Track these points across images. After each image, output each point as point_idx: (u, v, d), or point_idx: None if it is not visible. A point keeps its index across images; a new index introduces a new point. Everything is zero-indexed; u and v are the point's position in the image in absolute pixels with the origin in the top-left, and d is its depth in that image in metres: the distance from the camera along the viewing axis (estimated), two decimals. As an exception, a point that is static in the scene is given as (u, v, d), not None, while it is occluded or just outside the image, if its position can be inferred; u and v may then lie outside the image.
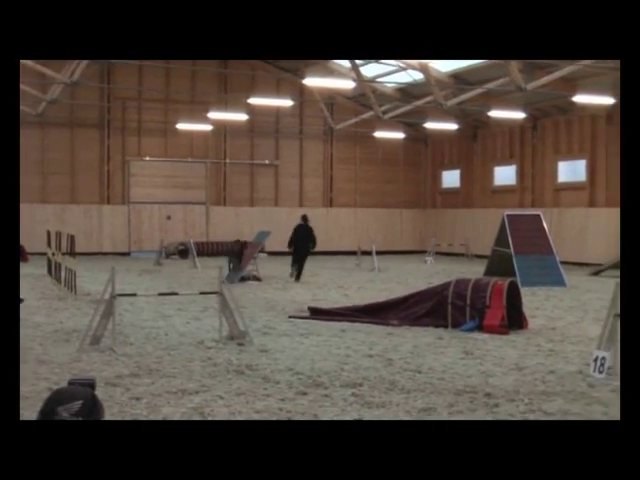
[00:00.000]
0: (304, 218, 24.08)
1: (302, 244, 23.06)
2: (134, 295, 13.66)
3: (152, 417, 7.32)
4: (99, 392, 6.26)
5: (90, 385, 6.03)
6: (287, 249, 23.91)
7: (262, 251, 30.51)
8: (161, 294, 14.31)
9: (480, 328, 12.81)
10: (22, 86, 28.49)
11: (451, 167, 39.00)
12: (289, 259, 24.11)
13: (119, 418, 7.10)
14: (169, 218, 35.19)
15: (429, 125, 33.55)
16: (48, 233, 22.19)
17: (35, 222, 31.74)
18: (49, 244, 21.75)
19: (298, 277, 22.71)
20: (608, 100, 25.79)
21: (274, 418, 7.29)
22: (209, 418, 7.30)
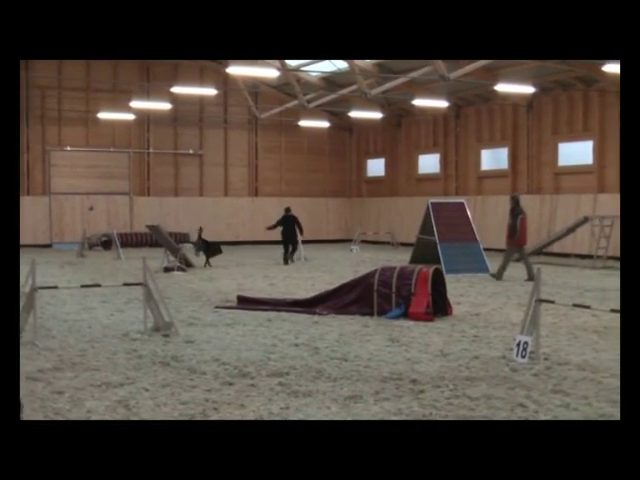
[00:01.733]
0: (287, 210, 26.86)
1: (291, 232, 26.01)
2: (56, 288, 13.41)
3: (75, 411, 7.20)
4: (20, 387, 6.15)
5: None
6: (267, 229, 27.15)
7: (188, 242, 30.34)
8: (84, 286, 14.06)
9: (405, 315, 12.93)
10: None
11: (376, 156, 39.25)
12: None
13: (40, 413, 6.96)
14: (92, 209, 34.64)
15: (354, 114, 33.67)
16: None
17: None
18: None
19: (291, 259, 25.81)
20: (529, 89, 26.24)
21: (200, 409, 7.24)
22: (134, 410, 7.22)
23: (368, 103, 32.68)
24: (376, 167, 39.40)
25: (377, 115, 33.62)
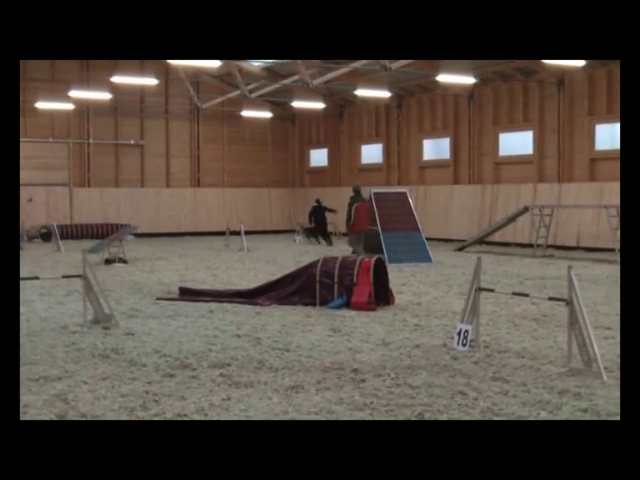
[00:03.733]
0: (318, 201, 31.11)
1: (322, 220, 30.38)
2: (-7, 281, 13.18)
3: (12, 406, 7.09)
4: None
5: None
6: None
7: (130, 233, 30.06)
8: (22, 279, 13.82)
9: (348, 305, 12.98)
10: None
11: (318, 146, 39.29)
12: (155, 241, 24.01)
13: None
14: (30, 200, 34.02)
15: (296, 104, 33.65)
16: None
17: None
18: None
19: (330, 242, 29.23)
20: (470, 80, 26.49)
21: (140, 401, 7.19)
22: (72, 404, 7.13)
23: (310, 93, 32.68)
24: (319, 157, 39.45)
25: (319, 105, 33.62)
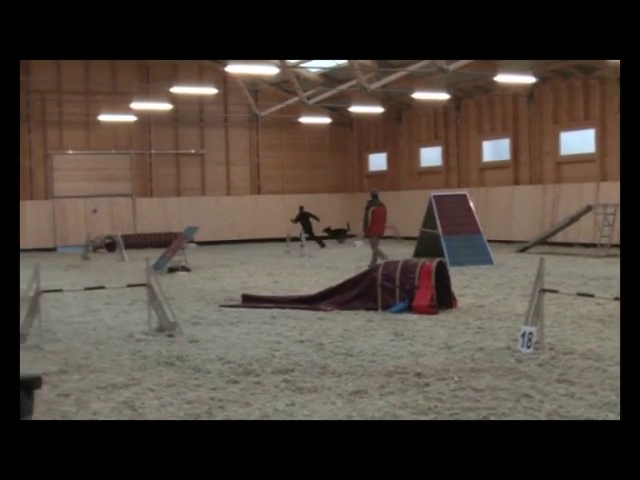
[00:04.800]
0: (301, 208, 32.55)
1: (308, 225, 31.96)
2: (60, 291, 13.43)
3: (81, 413, 7.22)
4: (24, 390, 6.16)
5: (28, 381, 5.89)
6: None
7: (192, 241, 30.34)
8: (88, 288, 14.08)
9: (410, 309, 12.92)
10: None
11: (377, 150, 39.22)
12: (217, 248, 24.23)
13: (47, 416, 6.98)
14: (95, 211, 34.64)
15: (354, 109, 33.65)
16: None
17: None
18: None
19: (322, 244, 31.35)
20: (529, 79, 26.20)
21: (206, 408, 7.25)
22: (139, 411, 7.23)
23: (368, 98, 32.64)
24: (378, 161, 39.37)
25: (377, 110, 33.59)
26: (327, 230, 34.29)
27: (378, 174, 39.13)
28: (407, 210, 34.38)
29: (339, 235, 34.65)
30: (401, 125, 37.45)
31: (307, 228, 31.68)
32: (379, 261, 20.75)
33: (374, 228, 22.27)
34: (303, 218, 32.02)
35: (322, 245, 31.38)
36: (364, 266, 19.36)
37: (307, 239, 30.03)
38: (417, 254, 23.23)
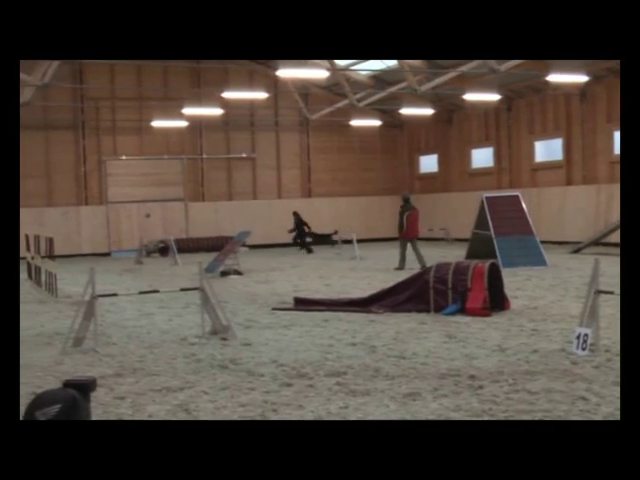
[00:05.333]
0: (296, 213, 32.41)
1: (302, 231, 32.21)
2: (115, 295, 13.59)
3: (137, 416, 7.30)
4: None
5: (85, 385, 5.99)
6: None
7: (243, 245, 30.50)
8: (142, 292, 14.23)
9: (462, 311, 12.85)
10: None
11: (428, 152, 39.07)
12: (269, 252, 24.36)
13: (103, 418, 7.07)
14: (148, 216, 35.00)
15: (404, 111, 33.51)
16: (26, 237, 22.04)
17: (13, 226, 31.51)
18: (28, 248, 21.61)
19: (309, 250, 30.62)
20: (582, 78, 25.86)
21: (259, 411, 7.29)
22: (194, 414, 7.29)
23: (418, 99, 32.54)
24: (429, 163, 39.21)
25: (428, 111, 33.43)
26: (311, 234, 33.38)
27: (429, 176, 38.97)
28: (458, 212, 34.21)
29: (326, 240, 33.98)
30: (452, 126, 37.25)
31: (300, 233, 32.17)
32: (412, 264, 21.90)
33: (409, 232, 22.81)
34: (299, 224, 32.30)
35: (309, 251, 31.21)
36: (416, 269, 19.29)
37: (296, 243, 31.24)
38: (469, 256, 23.08)
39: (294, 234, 32.47)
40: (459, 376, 8.48)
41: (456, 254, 24.43)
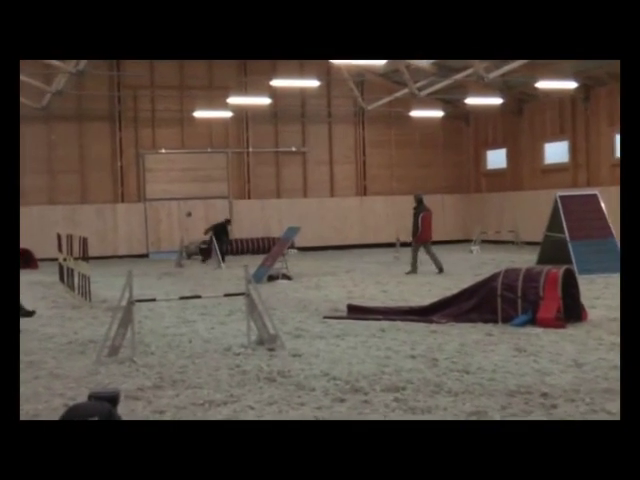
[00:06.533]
0: (228, 221, 31.29)
1: (223, 240, 29.78)
2: (154, 300, 13.75)
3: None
4: (120, 406, 6.34)
5: (112, 398, 6.13)
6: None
7: (292, 247, 30.60)
8: (183, 298, 14.37)
9: (533, 322, 12.74)
10: (24, 77, 28.75)
11: (496, 146, 38.80)
12: (320, 254, 24.44)
13: (141, 434, 7.15)
14: (189, 215, 35.21)
15: (470, 101, 33.38)
16: (59, 237, 22.38)
17: (44, 225, 32.06)
18: (60, 249, 21.93)
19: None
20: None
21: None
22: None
23: (485, 88, 32.35)
24: (496, 159, 38.94)
25: (496, 101, 33.24)
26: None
27: (496, 172, 38.73)
28: (529, 212, 33.94)
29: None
30: (523, 118, 36.94)
31: (221, 242, 29.62)
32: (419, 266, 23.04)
33: (424, 235, 23.46)
34: (221, 231, 29.95)
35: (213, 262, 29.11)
36: (483, 274, 19.16)
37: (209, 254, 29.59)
38: (541, 261, 22.89)
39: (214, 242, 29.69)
40: (530, 394, 8.41)
41: (526, 259, 24.25)
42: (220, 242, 29.29)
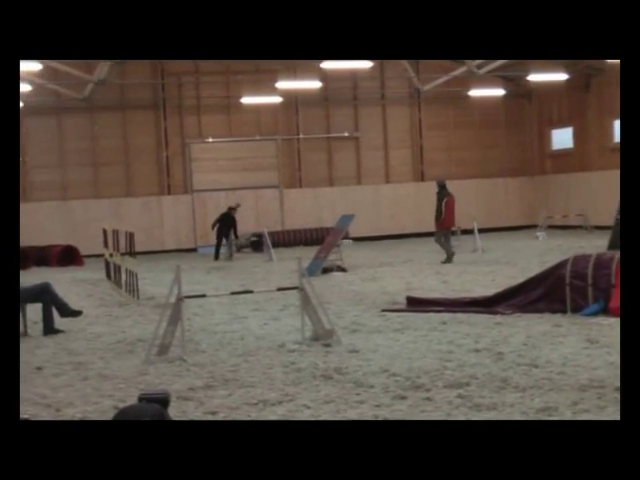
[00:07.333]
0: (232, 209, 30.72)
1: (228, 232, 29.94)
2: (203, 296, 13.83)
3: (230, 433, 7.42)
4: (170, 407, 6.40)
5: (162, 400, 6.20)
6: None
7: (347, 237, 30.59)
8: (234, 293, 14.43)
9: (605, 311, 12.61)
10: (65, 67, 29.14)
11: (561, 125, 38.39)
12: (376, 245, 24.43)
13: (193, 436, 7.21)
14: (238, 206, 35.25)
15: (533, 77, 33.06)
16: (104, 232, 22.61)
17: (89, 220, 32.46)
18: (106, 244, 22.17)
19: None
20: None
21: (369, 428, 7.32)
22: (295, 431, 7.36)
23: (549, 63, 31.98)
24: (562, 138, 38.52)
25: (561, 77, 32.87)
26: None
27: (562, 153, 38.32)
28: (598, 195, 33.55)
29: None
30: (590, 94, 36.47)
31: (227, 233, 30.12)
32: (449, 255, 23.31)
33: (447, 221, 23.85)
34: (226, 221, 30.14)
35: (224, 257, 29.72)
36: (550, 261, 19.01)
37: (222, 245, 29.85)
38: (612, 246, 22.61)
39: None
40: (603, 388, 8.33)
41: (596, 244, 24.00)
42: (229, 234, 29.82)
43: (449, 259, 23.31)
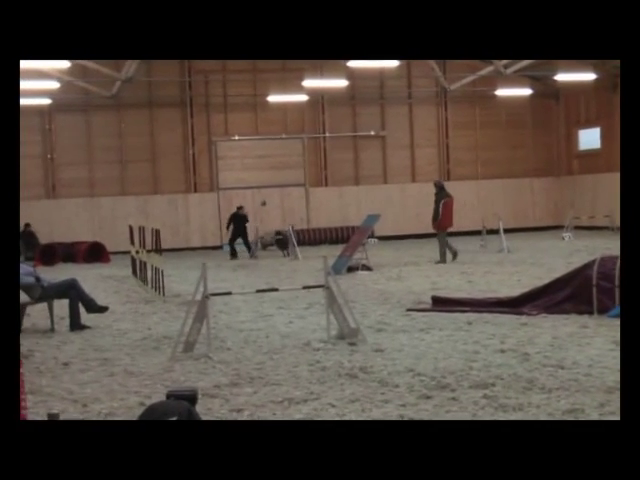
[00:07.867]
0: (241, 208, 31.10)
1: (243, 230, 30.56)
2: (229, 294, 13.85)
3: (256, 431, 7.44)
4: (197, 404, 6.42)
5: (190, 397, 6.22)
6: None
7: (372, 236, 30.58)
8: (259, 291, 14.46)
9: (632, 313, 12.53)
10: (93, 65, 29.31)
11: (589, 125, 38.21)
12: (402, 244, 24.47)
13: (219, 433, 7.23)
14: (264, 204, 35.38)
15: (560, 77, 32.93)
16: (130, 229, 22.72)
17: (115, 217, 32.66)
18: (132, 241, 22.26)
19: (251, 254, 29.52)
20: None
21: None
22: (320, 430, 7.37)
23: (577, 63, 31.83)
24: (590, 138, 38.34)
25: (589, 76, 32.71)
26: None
27: (590, 153, 38.13)
28: (626, 195, 33.31)
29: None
30: (618, 94, 36.19)
31: (240, 233, 30.60)
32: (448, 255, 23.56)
33: (444, 222, 23.80)
34: (238, 221, 30.68)
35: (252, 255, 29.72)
36: (576, 262, 18.93)
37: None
38: None
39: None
40: (630, 390, 8.29)
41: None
42: (243, 233, 30.38)
43: (442, 259, 23.47)
